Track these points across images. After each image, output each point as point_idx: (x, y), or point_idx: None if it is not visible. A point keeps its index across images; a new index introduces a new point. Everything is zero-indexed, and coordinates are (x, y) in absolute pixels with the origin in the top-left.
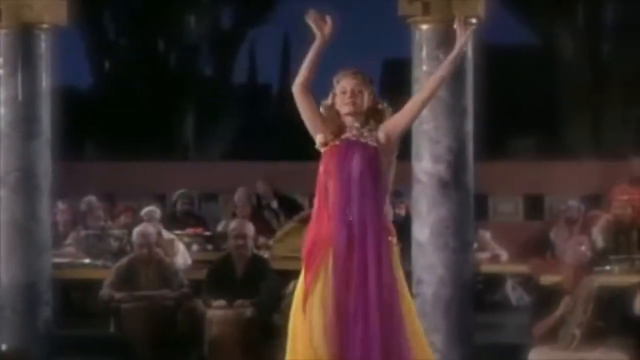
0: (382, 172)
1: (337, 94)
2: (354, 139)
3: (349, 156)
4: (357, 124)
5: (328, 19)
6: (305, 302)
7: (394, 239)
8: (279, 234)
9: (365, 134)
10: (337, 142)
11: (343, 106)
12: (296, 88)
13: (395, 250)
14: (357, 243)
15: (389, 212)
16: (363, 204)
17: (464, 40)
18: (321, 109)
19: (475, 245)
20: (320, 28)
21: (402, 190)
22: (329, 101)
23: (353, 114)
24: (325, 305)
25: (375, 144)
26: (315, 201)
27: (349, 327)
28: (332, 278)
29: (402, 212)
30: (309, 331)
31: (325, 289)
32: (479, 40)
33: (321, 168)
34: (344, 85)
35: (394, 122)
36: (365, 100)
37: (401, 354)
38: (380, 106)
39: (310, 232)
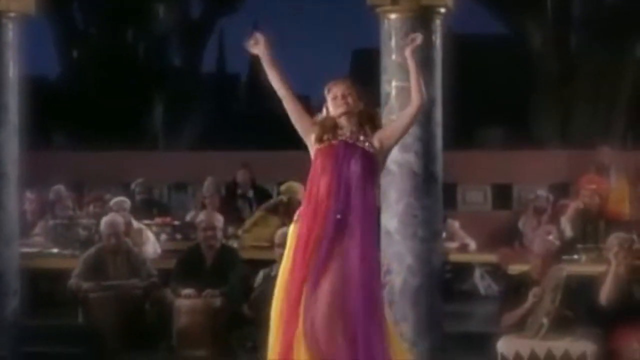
0: (378, 176)
1: (329, 102)
2: (351, 141)
3: (347, 157)
4: (352, 127)
5: (259, 36)
6: (297, 293)
7: None
8: (247, 223)
9: (362, 138)
10: (334, 142)
11: (337, 109)
12: (281, 93)
13: None
14: (347, 240)
15: None
16: (358, 203)
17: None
18: (319, 119)
19: (443, 234)
20: (256, 47)
21: None
22: (323, 112)
23: (347, 113)
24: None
25: (373, 150)
26: (305, 198)
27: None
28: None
29: None
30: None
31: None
32: (448, 31)
33: (316, 165)
34: (334, 92)
35: (388, 133)
36: (357, 102)
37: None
38: (372, 111)
39: (300, 229)
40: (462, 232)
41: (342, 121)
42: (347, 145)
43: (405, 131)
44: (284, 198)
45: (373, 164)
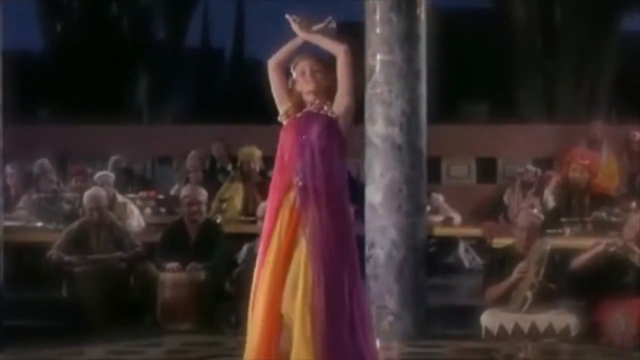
0: (346, 139)
1: (297, 78)
2: (314, 111)
3: (308, 125)
4: (317, 101)
5: (325, 23)
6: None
7: None
8: (215, 202)
9: (326, 107)
10: (297, 115)
11: (306, 85)
12: (272, 64)
13: None
14: (312, 206)
15: None
16: (321, 170)
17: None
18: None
19: (428, 208)
20: (303, 30)
21: None
22: (289, 86)
23: (315, 91)
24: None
25: (335, 116)
26: (274, 172)
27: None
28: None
29: None
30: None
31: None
32: (432, 5)
33: (281, 139)
34: (302, 67)
35: (339, 92)
36: (325, 77)
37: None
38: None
39: (269, 201)
40: (447, 206)
41: (310, 97)
42: (309, 115)
43: (349, 83)
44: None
45: (336, 129)
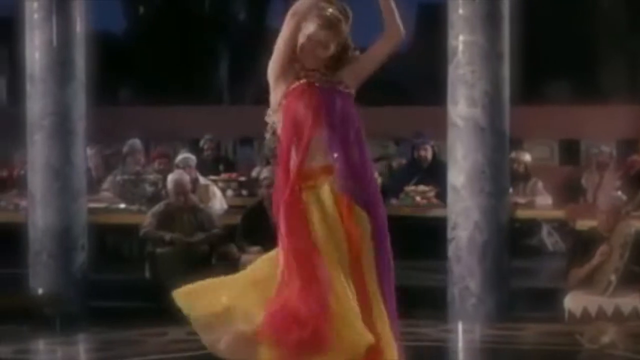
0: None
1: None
2: (327, 85)
3: (329, 102)
4: (322, 68)
5: None
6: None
7: None
8: None
9: (335, 79)
10: (307, 87)
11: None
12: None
13: None
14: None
15: None
16: (349, 150)
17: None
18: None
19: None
20: None
21: (420, 131)
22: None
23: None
24: None
25: (351, 91)
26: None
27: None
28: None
29: (429, 155)
30: None
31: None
32: None
33: (291, 112)
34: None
35: (360, 70)
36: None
37: None
38: (351, 52)
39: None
40: (544, 192)
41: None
42: (322, 90)
43: (380, 60)
44: None
45: (353, 105)
